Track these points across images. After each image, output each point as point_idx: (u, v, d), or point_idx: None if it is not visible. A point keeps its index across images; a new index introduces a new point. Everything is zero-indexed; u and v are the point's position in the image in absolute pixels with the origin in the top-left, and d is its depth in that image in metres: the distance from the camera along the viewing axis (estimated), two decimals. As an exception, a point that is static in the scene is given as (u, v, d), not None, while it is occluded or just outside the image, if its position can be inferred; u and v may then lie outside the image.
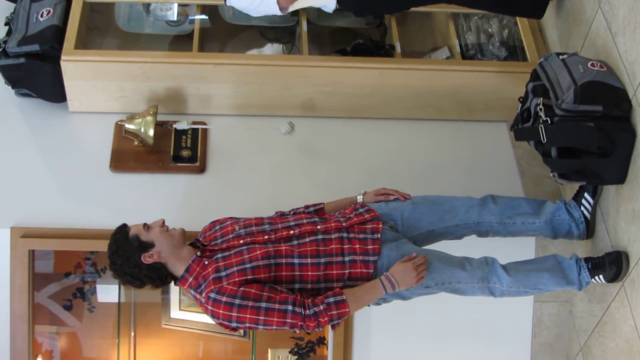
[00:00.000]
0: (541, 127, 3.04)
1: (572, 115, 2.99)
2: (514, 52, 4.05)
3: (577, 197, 3.29)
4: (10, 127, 3.88)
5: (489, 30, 4.09)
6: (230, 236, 2.93)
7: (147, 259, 2.77)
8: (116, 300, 3.87)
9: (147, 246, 2.78)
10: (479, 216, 3.18)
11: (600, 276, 3.08)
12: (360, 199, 3.18)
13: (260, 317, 2.71)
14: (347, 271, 2.86)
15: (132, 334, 4.01)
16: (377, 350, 3.68)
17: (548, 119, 3.04)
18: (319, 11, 4.02)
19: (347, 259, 2.87)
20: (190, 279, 2.80)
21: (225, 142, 3.87)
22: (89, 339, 4.06)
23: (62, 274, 3.93)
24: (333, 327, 2.79)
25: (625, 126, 2.97)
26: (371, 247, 2.91)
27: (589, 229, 3.26)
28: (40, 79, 3.80)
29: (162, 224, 2.86)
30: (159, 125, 3.75)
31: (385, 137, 3.94)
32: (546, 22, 3.98)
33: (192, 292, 2.83)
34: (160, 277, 2.82)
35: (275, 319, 2.71)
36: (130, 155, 3.78)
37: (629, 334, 3.07)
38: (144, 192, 3.69)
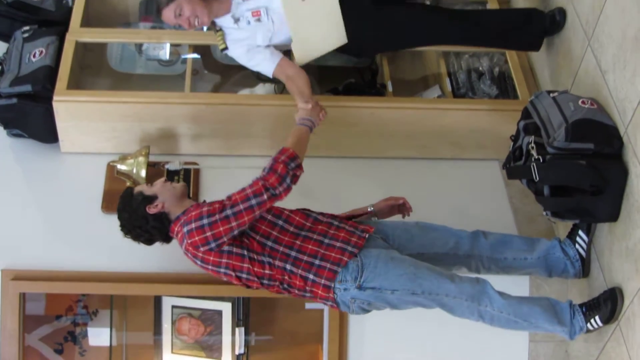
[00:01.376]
0: (533, 166, 3.04)
1: (563, 153, 3.00)
2: (505, 90, 4.07)
3: (572, 235, 3.28)
4: (2, 167, 3.87)
5: (480, 68, 4.12)
6: None
7: (152, 209, 2.94)
8: (107, 344, 3.82)
9: (151, 198, 2.96)
10: (470, 249, 3.20)
11: (597, 317, 3.04)
12: (371, 208, 3.29)
13: (227, 211, 2.81)
14: (321, 251, 2.92)
15: (124, 377, 3.96)
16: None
17: (540, 157, 3.04)
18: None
19: (326, 241, 2.95)
20: (184, 219, 2.89)
21: (217, 182, 3.86)
22: (81, 383, 4.00)
23: (54, 316, 3.88)
24: (295, 177, 2.88)
25: (617, 163, 2.98)
26: (355, 239, 2.97)
27: (585, 267, 3.25)
28: (32, 119, 3.79)
29: (165, 180, 3.04)
30: (151, 166, 3.74)
31: (377, 176, 3.94)
32: (536, 59, 4.01)
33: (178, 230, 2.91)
34: (166, 226, 2.96)
35: (238, 197, 2.83)
36: (123, 196, 3.76)
37: (626, 373, 3.04)
38: (136, 233, 3.66)
